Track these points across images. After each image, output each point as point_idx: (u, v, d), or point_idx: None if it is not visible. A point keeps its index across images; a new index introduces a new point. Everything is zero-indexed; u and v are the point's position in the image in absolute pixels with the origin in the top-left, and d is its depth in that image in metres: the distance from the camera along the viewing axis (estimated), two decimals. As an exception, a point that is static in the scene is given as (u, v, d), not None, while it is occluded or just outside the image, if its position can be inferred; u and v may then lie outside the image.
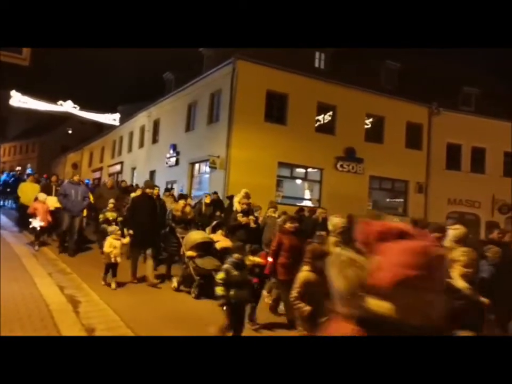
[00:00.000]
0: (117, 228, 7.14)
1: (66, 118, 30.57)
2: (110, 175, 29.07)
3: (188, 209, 8.03)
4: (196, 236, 7.11)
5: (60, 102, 22.17)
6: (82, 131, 40.30)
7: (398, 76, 19.66)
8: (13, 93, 20.88)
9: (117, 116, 24.52)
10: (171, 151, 20.21)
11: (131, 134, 26.61)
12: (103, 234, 8.74)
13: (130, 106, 27.50)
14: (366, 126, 18.86)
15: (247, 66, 16.32)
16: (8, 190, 17.19)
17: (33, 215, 8.88)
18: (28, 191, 11.08)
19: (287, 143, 16.67)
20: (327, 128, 17.98)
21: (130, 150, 26.54)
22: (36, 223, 8.80)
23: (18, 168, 39.39)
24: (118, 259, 6.71)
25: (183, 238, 7.26)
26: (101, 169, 31.47)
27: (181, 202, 8.00)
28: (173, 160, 20.06)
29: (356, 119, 18.41)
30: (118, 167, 27.66)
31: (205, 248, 6.97)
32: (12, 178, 18.28)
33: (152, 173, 22.59)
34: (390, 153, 18.57)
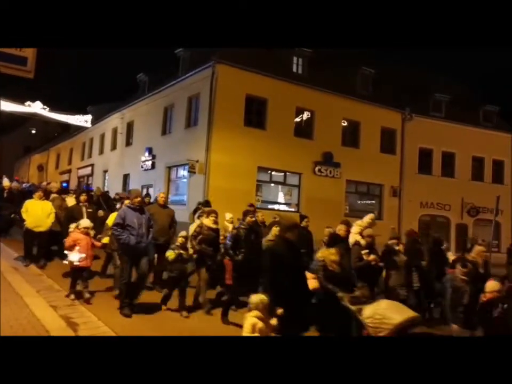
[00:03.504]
0: (263, 297, 4.01)
1: (29, 117, 29.27)
2: (79, 177, 28.22)
3: (345, 259, 5.23)
4: (395, 314, 3.88)
5: (28, 102, 21.23)
6: (47, 131, 38.82)
7: (373, 82, 20.09)
8: (-23, 92, 19.81)
9: (88, 117, 23.79)
10: (146, 154, 19.80)
11: (102, 136, 25.87)
12: (178, 285, 6.49)
13: (101, 107, 26.77)
14: (342, 131, 19.14)
15: (226, 70, 16.21)
16: None
17: (70, 249, 6.57)
18: (37, 211, 8.35)
19: (266, 148, 16.70)
20: (305, 133, 18.13)
21: (101, 152, 25.79)
22: (74, 256, 6.47)
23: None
24: None
25: (360, 311, 4.16)
26: (69, 171, 30.42)
27: (336, 249, 5.00)
28: (149, 163, 19.66)
29: (333, 123, 18.68)
30: (88, 170, 26.84)
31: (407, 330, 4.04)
32: None
33: (126, 177, 22.07)
34: (366, 157, 18.97)
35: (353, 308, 4.29)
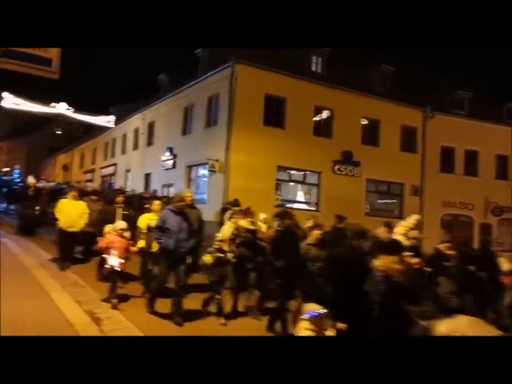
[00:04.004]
0: (320, 308, 3.61)
1: (53, 118, 30.05)
2: (103, 177, 28.83)
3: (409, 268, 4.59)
4: (477, 333, 3.40)
5: (53, 104, 21.84)
6: (71, 132, 39.79)
7: (392, 80, 19.86)
8: (5, 94, 20.55)
9: (111, 118, 24.32)
10: (167, 154, 20.09)
11: (124, 136, 26.37)
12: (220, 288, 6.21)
13: (122, 108, 27.25)
14: (362, 129, 19.00)
15: (245, 70, 16.31)
16: None
17: (105, 251, 6.39)
18: (70, 211, 8.20)
19: (285, 147, 16.72)
20: (324, 132, 18.08)
21: (124, 152, 26.30)
22: (114, 260, 6.22)
23: (7, 169, 38.84)
24: None
25: (432, 327, 3.55)
26: (93, 171, 31.14)
27: (398, 258, 4.28)
28: (170, 163, 19.95)
29: (352, 122, 18.55)
30: (111, 169, 27.41)
31: None
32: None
33: (147, 176, 22.45)
34: (386, 156, 18.78)
35: (423, 323, 3.74)
